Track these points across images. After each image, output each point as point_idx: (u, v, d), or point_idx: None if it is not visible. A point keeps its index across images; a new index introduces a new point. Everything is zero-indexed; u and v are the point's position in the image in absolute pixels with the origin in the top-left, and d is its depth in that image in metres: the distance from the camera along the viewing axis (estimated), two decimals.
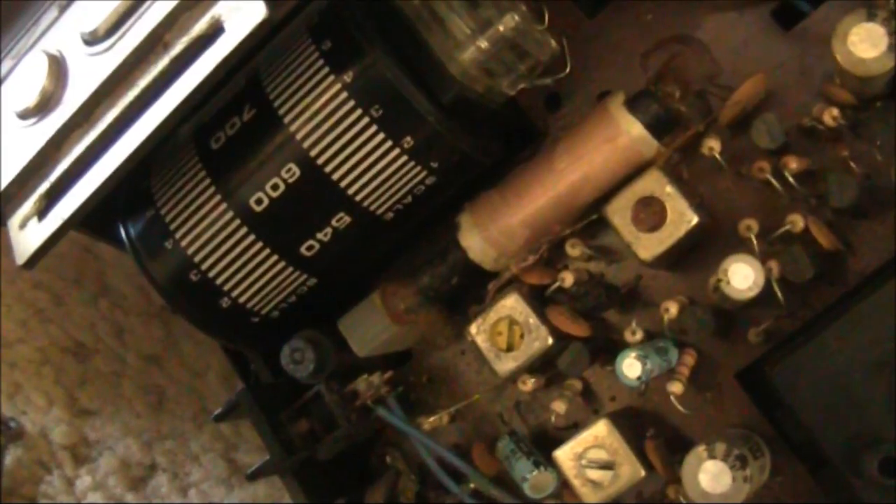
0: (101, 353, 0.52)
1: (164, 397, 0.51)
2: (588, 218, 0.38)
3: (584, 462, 0.37)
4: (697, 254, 0.38)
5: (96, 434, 0.52)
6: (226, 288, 0.39)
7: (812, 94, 0.38)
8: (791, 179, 0.36)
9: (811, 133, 0.37)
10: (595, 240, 0.39)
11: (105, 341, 0.52)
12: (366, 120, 0.36)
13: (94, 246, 0.51)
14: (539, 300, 0.39)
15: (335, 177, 0.37)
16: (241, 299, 0.39)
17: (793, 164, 0.37)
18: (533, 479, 0.38)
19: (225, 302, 0.39)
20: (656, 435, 0.39)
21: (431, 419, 0.40)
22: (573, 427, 0.40)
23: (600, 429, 0.37)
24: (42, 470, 0.52)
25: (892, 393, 0.34)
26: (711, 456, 0.35)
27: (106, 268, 0.51)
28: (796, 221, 0.36)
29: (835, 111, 0.36)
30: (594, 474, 0.37)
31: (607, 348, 0.39)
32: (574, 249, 0.38)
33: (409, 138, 0.37)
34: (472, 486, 0.39)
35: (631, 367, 0.36)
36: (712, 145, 0.37)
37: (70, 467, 0.52)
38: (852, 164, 0.37)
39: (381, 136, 0.36)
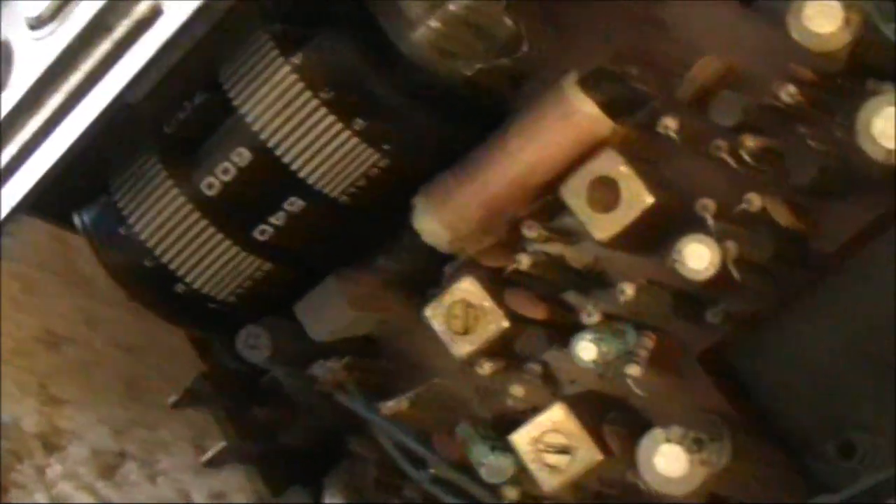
0: (73, 342, 0.51)
1: (134, 385, 0.51)
2: (543, 199, 0.37)
3: (541, 446, 0.37)
4: (658, 234, 0.38)
5: (67, 423, 0.51)
6: (180, 273, 0.39)
7: (774, 71, 0.37)
8: (748, 157, 0.36)
9: (772, 111, 0.37)
10: (554, 221, 0.39)
11: (76, 330, 0.51)
12: (315, 102, 0.36)
13: (66, 235, 0.50)
14: (496, 283, 0.38)
15: (286, 160, 0.37)
16: (196, 285, 0.39)
17: (750, 141, 0.36)
18: (490, 463, 0.38)
19: (180, 288, 0.39)
20: (615, 419, 0.38)
21: (391, 403, 0.39)
22: (533, 411, 0.39)
23: (557, 413, 0.37)
24: (13, 458, 0.52)
25: (851, 375, 0.34)
26: (667, 439, 0.35)
27: (77, 256, 0.51)
28: (753, 200, 0.36)
29: (791, 88, 0.35)
30: (551, 458, 0.37)
31: (566, 331, 0.38)
32: (531, 231, 0.38)
33: (360, 120, 0.36)
34: (432, 471, 0.39)
35: (586, 349, 0.36)
36: (668, 124, 0.36)
37: (41, 456, 0.52)
38: (811, 142, 0.36)
39: (331, 118, 0.36)
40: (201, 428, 0.49)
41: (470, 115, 0.40)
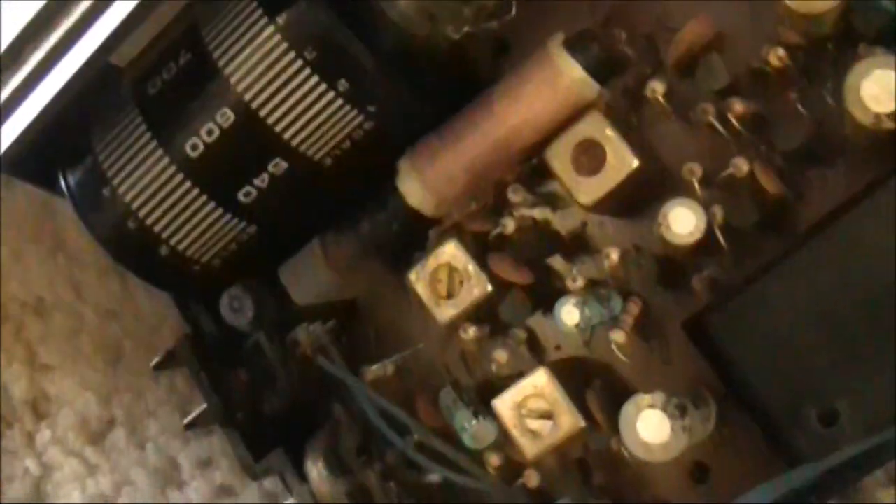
0: (61, 309, 0.51)
1: (121, 352, 0.51)
2: (529, 162, 0.37)
3: (523, 412, 0.37)
4: (644, 200, 0.38)
5: (55, 389, 0.51)
6: (164, 236, 0.38)
7: (764, 36, 0.37)
8: (735, 122, 0.35)
9: (761, 76, 0.36)
10: (541, 186, 0.39)
11: (64, 297, 0.51)
12: (299, 63, 0.36)
13: (53, 202, 0.50)
14: (481, 247, 0.38)
15: (270, 121, 0.36)
16: (181, 247, 0.39)
17: (738, 106, 0.35)
18: (472, 429, 0.37)
19: (164, 250, 0.39)
20: (600, 386, 0.38)
21: (374, 368, 0.39)
22: (517, 377, 0.39)
23: (539, 378, 0.36)
24: (3, 425, 0.52)
25: (832, 343, 0.34)
26: (650, 405, 0.34)
27: (65, 223, 0.51)
28: (740, 165, 0.35)
29: (780, 51, 0.35)
30: (533, 424, 0.36)
31: (551, 296, 0.38)
32: (516, 195, 0.38)
33: (344, 81, 0.36)
34: (415, 438, 0.39)
35: (569, 314, 0.36)
36: (655, 87, 0.36)
37: (30, 422, 0.52)
38: (800, 107, 0.36)
39: (315, 79, 0.36)
40: (187, 395, 0.49)
41: (455, 82, 0.40)
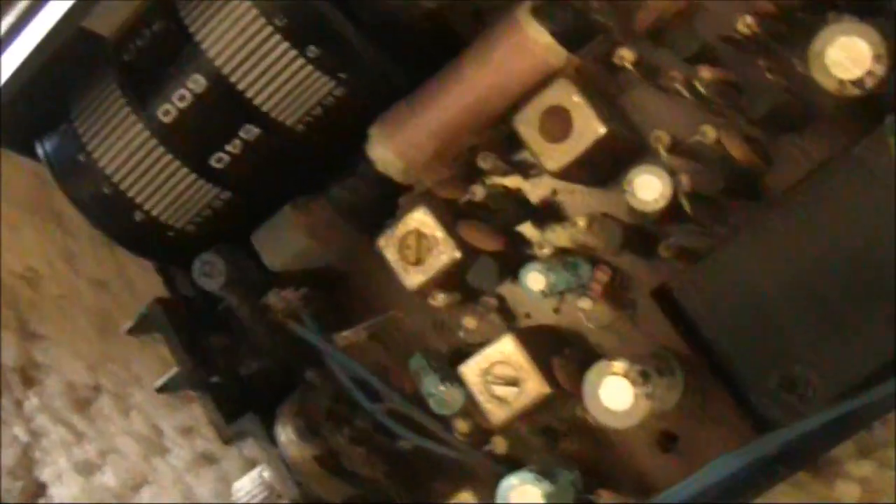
0: (51, 278, 0.52)
1: (109, 320, 0.51)
2: (498, 129, 0.37)
3: (489, 378, 0.37)
4: (613, 167, 0.37)
5: (45, 357, 0.52)
6: (138, 201, 0.39)
7: (735, 3, 0.36)
8: (703, 90, 0.35)
9: (732, 44, 0.36)
10: (513, 154, 0.39)
11: (56, 266, 0.52)
12: (269, 29, 0.36)
13: (45, 172, 0.51)
14: (450, 214, 0.38)
15: (241, 87, 0.37)
16: (155, 212, 0.39)
17: (706, 73, 0.35)
18: (439, 394, 0.37)
19: (139, 215, 0.39)
20: (569, 355, 0.38)
21: (346, 334, 0.39)
22: (487, 344, 0.39)
23: (506, 344, 0.37)
24: None
25: (796, 309, 0.33)
26: (613, 372, 0.34)
27: (57, 193, 0.51)
28: (708, 132, 0.35)
29: (749, 19, 0.35)
30: (500, 391, 0.37)
31: (521, 264, 0.38)
32: (486, 163, 0.38)
33: (314, 48, 0.36)
34: (387, 403, 0.39)
35: (535, 280, 0.36)
36: (624, 55, 0.36)
37: (19, 389, 0.52)
38: (770, 75, 0.36)
39: (285, 45, 0.36)
40: (171, 363, 0.49)
41: (434, 50, 0.40)
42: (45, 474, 0.53)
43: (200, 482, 0.49)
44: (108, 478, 0.51)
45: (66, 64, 0.39)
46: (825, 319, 0.33)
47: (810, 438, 0.35)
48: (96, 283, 0.52)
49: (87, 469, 0.52)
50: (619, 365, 0.34)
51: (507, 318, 0.39)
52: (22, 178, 0.53)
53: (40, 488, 0.53)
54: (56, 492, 0.52)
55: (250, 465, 0.47)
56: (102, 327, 0.51)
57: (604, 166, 0.38)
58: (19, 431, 0.52)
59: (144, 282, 0.50)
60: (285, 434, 0.39)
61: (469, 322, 0.38)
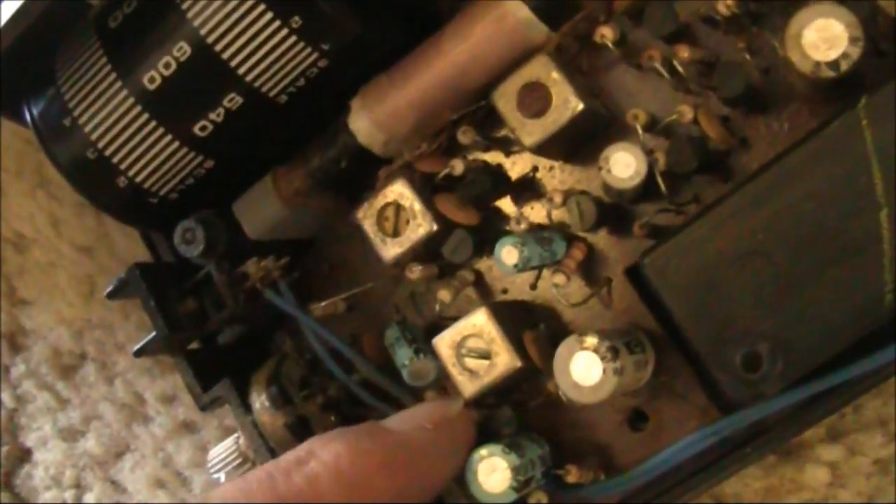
0: (39, 244, 0.52)
1: (94, 287, 0.52)
2: (477, 104, 0.37)
3: (463, 351, 0.37)
4: (594, 146, 0.38)
5: (31, 323, 0.52)
6: (122, 167, 0.39)
7: None
8: (680, 69, 0.36)
9: (712, 24, 0.36)
10: (494, 131, 0.39)
11: (42, 232, 0.52)
12: None
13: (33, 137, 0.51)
14: (429, 187, 0.38)
15: (225, 56, 0.37)
16: (138, 179, 0.39)
17: (684, 52, 0.35)
18: (413, 366, 0.38)
19: (122, 182, 0.39)
20: (542, 331, 0.38)
21: (323, 304, 0.39)
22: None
23: (479, 318, 0.37)
24: None
25: (759, 288, 0.34)
26: (583, 347, 0.35)
27: (45, 159, 0.52)
28: (684, 112, 0.35)
29: (729, 0, 0.35)
30: (472, 363, 0.37)
31: (498, 239, 0.38)
32: (465, 137, 0.38)
33: (297, 18, 0.36)
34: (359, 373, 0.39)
35: (509, 253, 0.36)
36: (605, 33, 0.36)
37: (7, 355, 0.53)
38: (748, 56, 0.36)
39: (269, 15, 0.36)
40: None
41: (417, 23, 0.40)
42: (29, 440, 0.53)
43: (180, 450, 0.50)
44: (91, 444, 0.51)
45: (53, 29, 0.39)
46: (792, 299, 0.33)
47: (779, 421, 0.35)
48: (80, 249, 0.52)
49: (70, 435, 0.52)
50: (589, 340, 0.34)
51: (484, 294, 0.40)
52: (10, 144, 0.53)
53: (25, 453, 0.54)
54: (40, 457, 0.53)
55: (229, 434, 0.47)
56: (87, 293, 0.52)
57: (582, 143, 0.38)
58: (6, 397, 0.53)
59: (128, 248, 0.51)
60: (259, 401, 0.39)
61: (444, 295, 0.38)
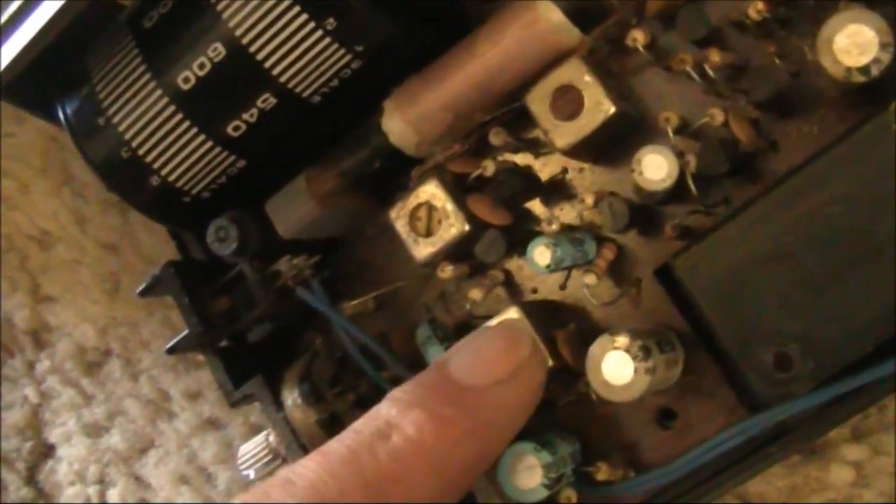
0: (63, 241, 0.53)
1: (119, 284, 0.52)
2: (510, 106, 0.38)
3: None
4: (625, 148, 0.38)
5: (56, 319, 0.53)
6: (155, 166, 0.39)
7: None
8: (711, 73, 0.36)
9: (741, 28, 0.37)
10: (525, 132, 0.39)
11: (67, 229, 0.53)
12: (288, 1, 0.36)
13: (62, 137, 0.52)
14: (461, 188, 0.39)
15: (259, 57, 0.37)
16: (171, 178, 0.40)
17: (715, 57, 0.36)
18: None
19: (155, 180, 0.40)
20: (573, 329, 0.39)
21: (354, 303, 0.40)
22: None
23: (511, 315, 0.37)
24: (5, 353, 0.54)
25: (786, 288, 0.34)
26: (615, 346, 0.35)
27: (71, 157, 0.52)
28: (715, 115, 0.36)
29: (760, 5, 0.35)
30: None
31: (529, 239, 0.39)
32: (497, 138, 0.38)
33: (331, 20, 0.37)
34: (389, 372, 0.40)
35: (541, 254, 0.36)
36: (637, 37, 0.37)
37: (31, 351, 0.53)
38: (778, 60, 0.36)
39: (303, 16, 0.36)
40: (181, 328, 0.50)
41: (446, 23, 0.40)
42: (53, 435, 0.54)
43: (205, 447, 0.50)
44: (115, 440, 0.52)
45: (87, 30, 0.40)
46: (820, 301, 0.34)
47: (805, 421, 0.36)
48: (106, 246, 0.52)
49: (94, 431, 0.52)
50: (621, 340, 0.35)
51: (514, 293, 0.40)
52: (36, 141, 0.53)
53: (49, 449, 0.54)
54: (64, 452, 0.53)
55: (255, 431, 0.48)
56: (112, 290, 0.52)
57: (613, 145, 0.38)
58: (30, 393, 0.53)
59: (153, 245, 0.51)
60: (291, 398, 0.39)
61: (475, 294, 0.38)
